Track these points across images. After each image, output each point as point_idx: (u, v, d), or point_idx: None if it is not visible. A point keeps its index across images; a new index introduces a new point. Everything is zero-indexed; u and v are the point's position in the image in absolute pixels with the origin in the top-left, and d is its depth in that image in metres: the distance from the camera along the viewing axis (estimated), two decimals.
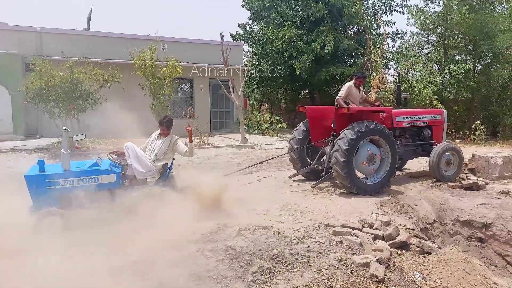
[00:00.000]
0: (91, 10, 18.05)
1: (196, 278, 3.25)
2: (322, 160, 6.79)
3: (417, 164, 8.26)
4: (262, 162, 7.78)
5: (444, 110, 7.69)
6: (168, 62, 11.38)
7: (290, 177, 7.10)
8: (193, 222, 4.53)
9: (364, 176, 6.23)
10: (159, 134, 5.33)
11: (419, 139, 7.32)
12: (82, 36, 14.63)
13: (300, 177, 7.22)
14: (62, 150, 4.62)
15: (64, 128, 4.85)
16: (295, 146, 7.05)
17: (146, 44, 11.62)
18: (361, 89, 7.20)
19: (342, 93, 6.94)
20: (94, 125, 12.75)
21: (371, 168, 6.12)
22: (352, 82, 7.10)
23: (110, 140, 12.52)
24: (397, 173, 7.92)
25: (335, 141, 6.05)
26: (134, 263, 3.49)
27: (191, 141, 5.27)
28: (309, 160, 7.14)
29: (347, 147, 5.76)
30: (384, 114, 6.66)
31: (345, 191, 6.15)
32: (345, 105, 6.47)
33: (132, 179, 5.01)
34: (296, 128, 7.32)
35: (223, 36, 12.64)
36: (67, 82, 10.43)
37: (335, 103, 6.87)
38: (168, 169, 5.26)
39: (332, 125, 6.70)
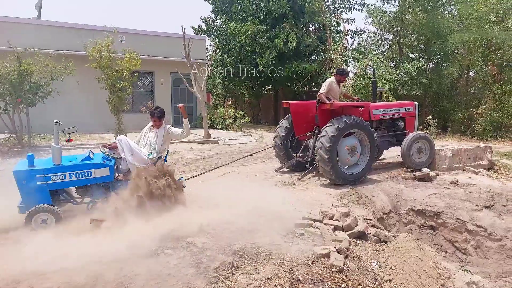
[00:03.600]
0: None
1: (156, 277, 3.16)
2: (305, 152, 7.16)
3: (390, 154, 8.52)
4: (252, 154, 8.17)
5: (416, 103, 8.14)
6: (126, 54, 10.94)
7: (276, 170, 7.51)
8: (153, 220, 4.41)
9: (347, 167, 6.54)
10: (152, 126, 5.22)
11: (394, 130, 7.78)
12: (32, 25, 13.67)
13: (271, 171, 7.52)
14: (53, 144, 4.44)
15: (55, 121, 4.61)
16: (280, 143, 7.42)
17: (102, 36, 11.06)
18: (341, 84, 7.52)
19: (323, 88, 7.18)
20: (45, 119, 12.10)
21: (352, 159, 6.52)
22: (332, 78, 7.40)
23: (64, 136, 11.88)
24: (382, 162, 8.23)
25: (318, 138, 6.38)
26: (87, 263, 3.33)
27: (185, 117, 5.23)
28: (293, 154, 7.48)
29: (329, 144, 6.13)
30: (363, 108, 7.05)
31: (307, 184, 6.27)
32: (327, 101, 6.84)
33: (126, 172, 4.90)
34: (278, 126, 7.70)
35: (184, 29, 12.36)
36: (15, 74, 9.71)
37: (317, 98, 7.13)
38: (164, 161, 5.11)
39: (315, 120, 7.07)
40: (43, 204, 4.25)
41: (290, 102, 7.42)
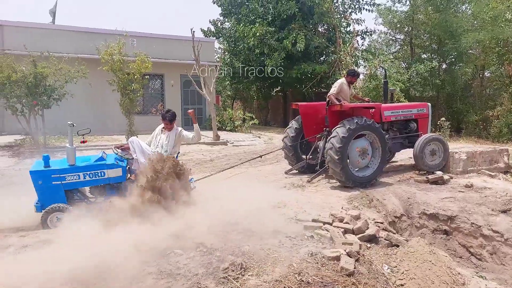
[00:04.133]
0: (56, 3, 17.26)
1: (166, 276, 3.17)
2: (315, 155, 7.07)
3: (402, 156, 8.42)
4: (261, 156, 8.00)
5: (429, 104, 7.98)
6: (137, 57, 11.07)
7: (286, 172, 7.39)
8: (163, 220, 4.43)
9: (358, 169, 6.44)
10: (163, 128, 5.26)
11: (406, 131, 7.62)
12: (47, 30, 13.97)
13: (280, 173, 7.43)
14: (68, 145, 4.58)
15: (69, 122, 4.74)
16: (289, 144, 7.33)
17: (114, 39, 11.23)
18: (352, 86, 7.44)
19: (334, 89, 7.11)
20: (61, 122, 12.29)
21: (363, 162, 6.40)
22: (343, 79, 7.33)
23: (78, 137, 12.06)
24: (394, 164, 8.13)
25: (328, 139, 6.29)
26: (99, 262, 3.36)
27: (195, 122, 5.27)
28: (303, 156, 7.39)
29: (340, 145, 6.03)
30: (374, 110, 6.93)
31: (317, 187, 6.23)
32: (337, 102, 6.75)
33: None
34: (288, 126, 7.60)
35: (194, 32, 12.45)
36: (30, 77, 9.94)
37: (327, 99, 7.06)
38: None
39: (324, 121, 6.96)
40: (58, 203, 4.35)
41: (300, 103, 7.34)
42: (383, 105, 7.41)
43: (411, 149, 7.27)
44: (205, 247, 3.72)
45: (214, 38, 18.99)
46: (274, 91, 21.83)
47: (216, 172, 7.06)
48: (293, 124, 7.44)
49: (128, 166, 4.97)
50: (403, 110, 7.57)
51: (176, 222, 4.16)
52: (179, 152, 5.38)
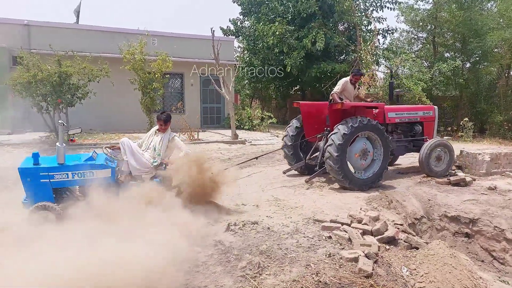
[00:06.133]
0: (80, 4, 17.73)
1: (185, 273, 3.23)
2: (315, 155, 6.87)
3: (406, 160, 8.34)
4: (256, 158, 7.39)
5: (435, 107, 7.77)
6: (158, 57, 11.26)
7: (284, 172, 7.16)
8: (182, 217, 4.51)
9: (357, 171, 6.27)
10: (157, 129, 5.26)
11: (411, 134, 7.41)
12: (71, 29, 14.39)
13: (295, 172, 7.27)
14: (58, 144, 4.52)
15: (60, 121, 4.73)
16: (289, 143, 7.12)
17: (135, 38, 11.47)
18: (357, 85, 7.28)
19: (337, 88, 6.95)
20: (83, 119, 12.65)
21: (363, 163, 6.19)
22: (348, 78, 7.16)
23: (99, 135, 12.38)
24: (398, 167, 8.03)
25: (329, 135, 6.10)
26: (120, 258, 3.45)
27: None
28: (302, 156, 7.20)
29: (340, 142, 5.83)
30: (377, 110, 6.73)
31: (335, 187, 6.19)
32: (340, 101, 6.54)
33: (127, 175, 4.95)
34: (289, 125, 7.35)
35: (213, 31, 12.55)
36: (55, 76, 10.24)
37: (330, 98, 6.89)
38: (164, 165, 5.20)
39: (326, 121, 6.76)
40: (45, 201, 4.28)
41: (301, 102, 7.09)
42: (387, 106, 7.17)
43: (417, 153, 7.04)
44: (223, 245, 3.78)
45: (234, 37, 19.09)
46: (293, 90, 21.74)
47: (227, 168, 6.61)
48: (294, 122, 7.21)
49: (118, 167, 4.89)
50: (408, 112, 7.32)
51: (195, 219, 4.22)
52: (168, 159, 5.23)
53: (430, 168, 6.82)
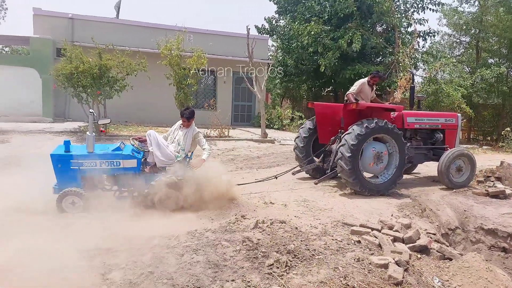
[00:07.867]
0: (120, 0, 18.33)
1: (213, 266, 3.29)
2: (327, 158, 6.66)
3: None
4: (276, 177, 6.47)
5: (459, 114, 7.35)
6: (194, 53, 11.45)
7: (293, 173, 6.89)
8: (211, 212, 4.59)
9: (372, 176, 6.08)
10: (181, 124, 5.36)
11: (431, 142, 7.05)
12: (112, 24, 14.94)
13: (306, 175, 7.07)
14: (88, 133, 4.73)
15: (90, 111, 4.95)
16: (301, 145, 6.94)
17: (173, 34, 11.71)
18: (374, 87, 7.01)
19: (354, 88, 6.74)
20: (120, 111, 13.10)
21: (378, 168, 5.94)
22: (366, 79, 6.93)
23: (134, 127, 12.79)
24: (420, 176, 7.77)
25: (342, 136, 5.90)
26: (153, 247, 3.57)
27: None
28: (315, 158, 6.99)
29: (354, 143, 5.61)
30: (395, 113, 6.45)
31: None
32: (355, 101, 6.30)
33: (152, 166, 5.08)
34: (301, 126, 7.17)
35: (249, 29, 12.60)
36: (96, 68, 10.65)
37: (345, 98, 6.70)
38: (188, 158, 5.31)
39: (340, 123, 6.54)
40: (74, 187, 4.50)
41: (315, 102, 6.81)
42: (407, 110, 6.80)
43: (436, 162, 6.68)
44: (251, 241, 3.80)
45: (268, 35, 19.08)
46: (325, 91, 21.45)
47: (263, 180, 6.38)
48: (307, 124, 7.00)
49: (144, 158, 5.04)
50: (429, 118, 6.92)
51: (225, 215, 4.29)
52: (192, 152, 5.37)
53: (449, 179, 6.50)
